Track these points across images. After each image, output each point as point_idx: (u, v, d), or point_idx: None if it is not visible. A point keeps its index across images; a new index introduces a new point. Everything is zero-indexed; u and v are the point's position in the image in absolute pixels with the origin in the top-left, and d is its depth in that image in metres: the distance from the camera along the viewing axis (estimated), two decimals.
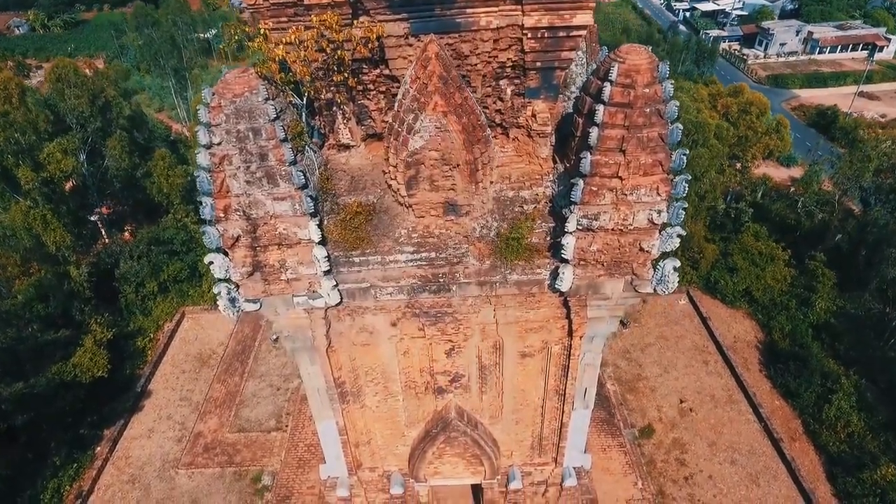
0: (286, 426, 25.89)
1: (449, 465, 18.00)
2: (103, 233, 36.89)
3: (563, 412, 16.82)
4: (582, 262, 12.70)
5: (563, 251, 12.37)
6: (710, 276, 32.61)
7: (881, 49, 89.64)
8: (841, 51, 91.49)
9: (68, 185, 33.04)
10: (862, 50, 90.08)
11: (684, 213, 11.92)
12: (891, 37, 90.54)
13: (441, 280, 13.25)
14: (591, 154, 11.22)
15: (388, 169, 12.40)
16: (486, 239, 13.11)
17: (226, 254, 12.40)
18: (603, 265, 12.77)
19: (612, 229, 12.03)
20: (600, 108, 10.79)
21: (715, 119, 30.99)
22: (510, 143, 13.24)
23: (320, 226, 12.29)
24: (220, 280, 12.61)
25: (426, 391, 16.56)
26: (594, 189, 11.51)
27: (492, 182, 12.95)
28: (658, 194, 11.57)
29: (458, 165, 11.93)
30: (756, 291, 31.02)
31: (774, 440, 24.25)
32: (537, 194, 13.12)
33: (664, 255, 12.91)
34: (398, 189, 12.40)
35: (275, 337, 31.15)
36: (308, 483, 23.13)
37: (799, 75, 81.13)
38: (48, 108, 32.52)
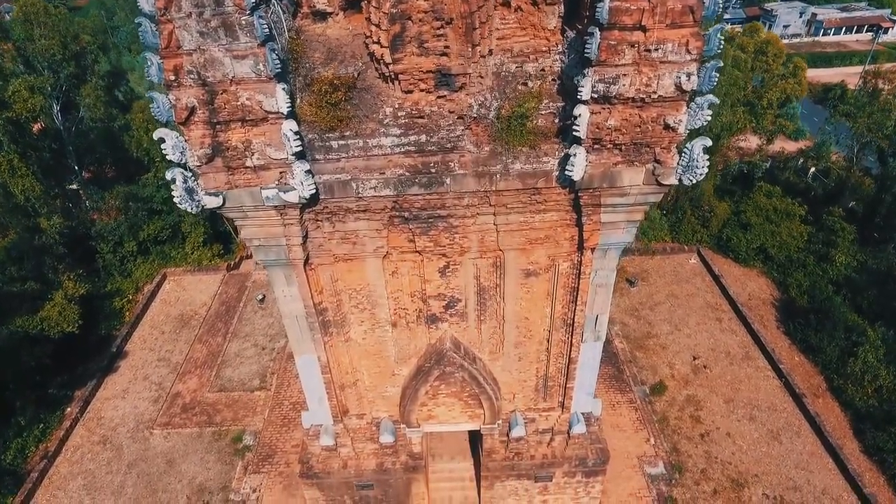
0: (270, 385, 24.13)
1: (444, 408, 16.22)
2: (85, 202, 34.92)
3: (570, 346, 15.02)
4: (596, 146, 10.93)
5: (574, 127, 10.60)
6: (721, 234, 30.92)
7: (886, 31, 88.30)
8: (845, 33, 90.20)
9: (36, 128, 30.89)
10: (867, 32, 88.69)
11: (717, 77, 10.18)
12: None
13: (433, 170, 11.47)
14: None
15: (369, 30, 10.61)
16: (484, 121, 11.32)
17: (180, 131, 10.63)
18: (621, 149, 11.00)
19: (633, 98, 10.24)
20: None
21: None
22: (512, 13, 11.41)
23: (291, 100, 10.50)
24: (174, 165, 10.83)
25: (418, 320, 14.78)
26: (612, 44, 9.71)
27: (491, 51, 11.16)
28: (688, 51, 9.79)
29: (451, 20, 10.14)
30: (771, 248, 29.29)
31: (796, 396, 22.54)
32: (544, 69, 11.33)
33: (691, 136, 11.16)
34: (381, 55, 10.60)
35: (261, 296, 29.37)
36: (292, 441, 21.38)
37: (804, 55, 79.34)
38: (16, 49, 30.46)
